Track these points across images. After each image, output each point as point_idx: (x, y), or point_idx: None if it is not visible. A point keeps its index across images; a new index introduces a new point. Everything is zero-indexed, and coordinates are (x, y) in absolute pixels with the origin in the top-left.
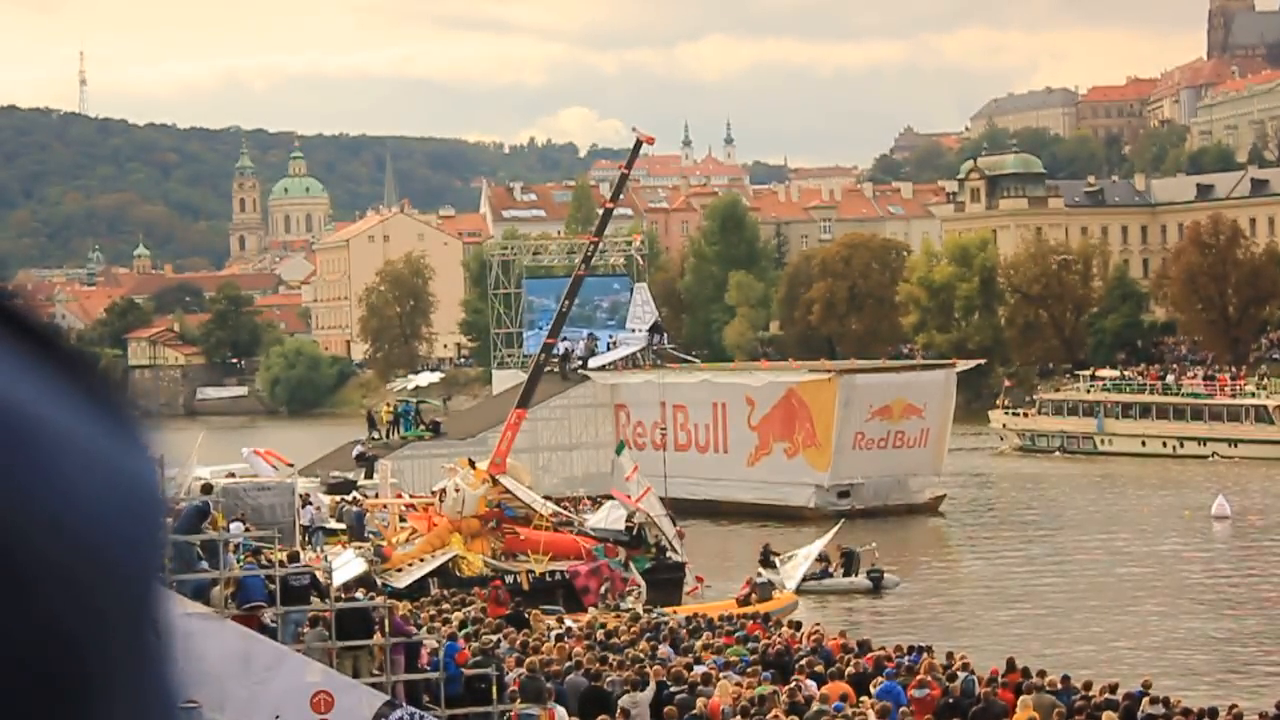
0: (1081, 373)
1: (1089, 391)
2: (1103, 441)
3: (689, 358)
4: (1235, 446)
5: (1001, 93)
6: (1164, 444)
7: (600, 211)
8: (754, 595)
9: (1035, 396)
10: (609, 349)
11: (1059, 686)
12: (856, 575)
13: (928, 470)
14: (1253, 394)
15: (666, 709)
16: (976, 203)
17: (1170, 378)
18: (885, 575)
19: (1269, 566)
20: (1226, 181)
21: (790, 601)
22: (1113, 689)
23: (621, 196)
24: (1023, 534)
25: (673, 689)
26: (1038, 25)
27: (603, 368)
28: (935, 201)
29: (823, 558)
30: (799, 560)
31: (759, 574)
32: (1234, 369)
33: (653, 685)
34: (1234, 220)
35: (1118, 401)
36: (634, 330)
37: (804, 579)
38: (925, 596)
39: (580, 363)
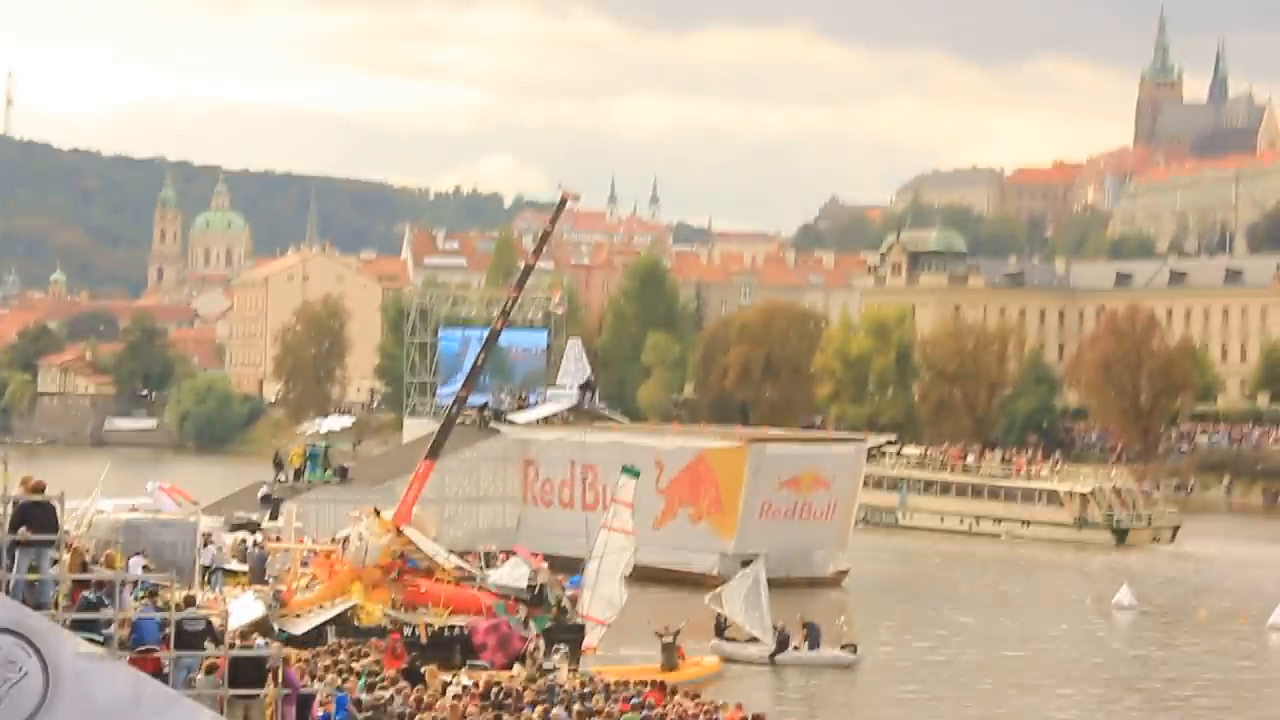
0: (888, 448)
1: (893, 467)
2: (904, 515)
3: (619, 418)
4: (1027, 527)
5: (928, 167)
6: (960, 520)
7: (522, 264)
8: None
9: None
10: (537, 404)
11: None
12: (821, 648)
13: (832, 544)
14: (1045, 477)
15: None
16: (897, 277)
17: (970, 458)
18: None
19: (1168, 658)
20: (1146, 270)
21: (714, 670)
22: None
23: (544, 251)
24: (926, 612)
25: None
26: (965, 102)
27: (529, 423)
28: (857, 272)
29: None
30: (741, 613)
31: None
32: (1143, 460)
33: None
34: (1151, 310)
35: (920, 478)
36: (565, 386)
37: (776, 650)
38: (832, 672)
39: (500, 416)
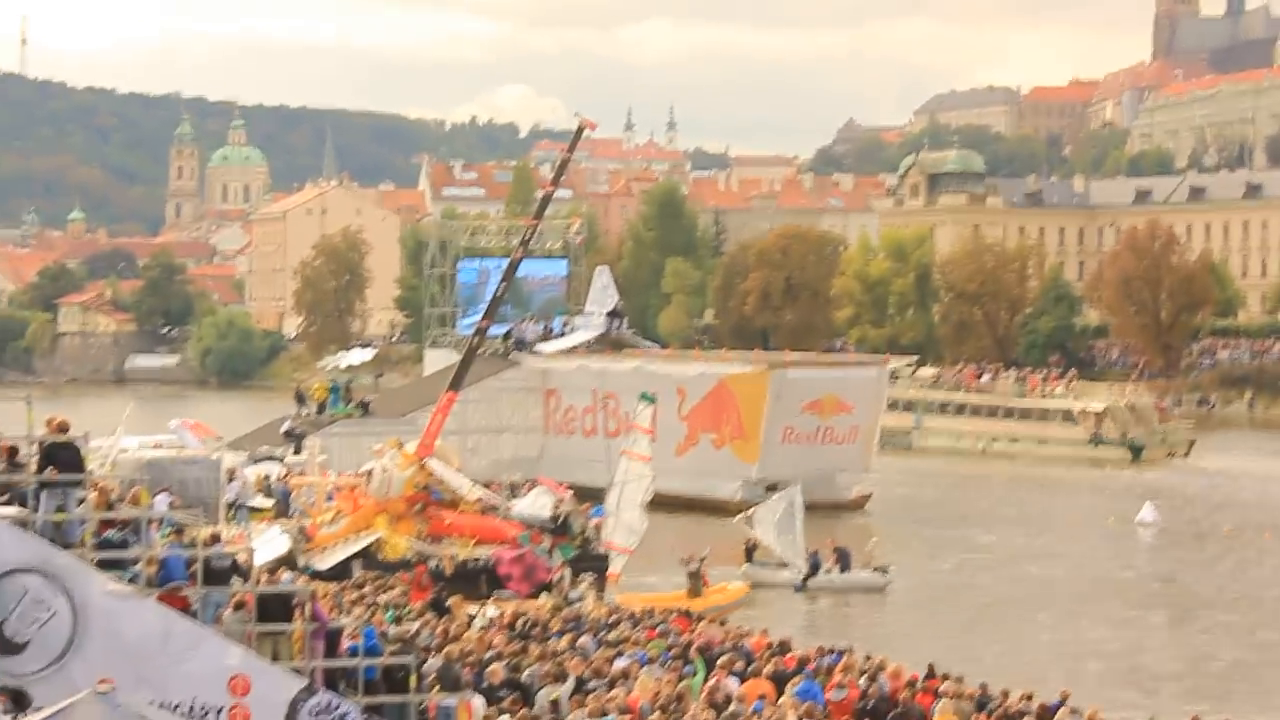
0: (899, 369)
1: (909, 389)
2: (920, 437)
3: (647, 343)
4: (1042, 446)
5: (945, 88)
6: (976, 441)
7: (540, 193)
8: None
9: None
10: (563, 332)
11: (977, 694)
12: (851, 571)
13: (856, 467)
14: (1059, 396)
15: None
16: (916, 198)
17: (986, 377)
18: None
19: (1193, 576)
20: (1165, 186)
21: (741, 595)
22: (1029, 698)
23: (562, 180)
24: (950, 534)
25: (591, 684)
26: (982, 21)
27: (558, 352)
28: (875, 195)
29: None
30: (773, 537)
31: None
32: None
33: (572, 679)
34: (1170, 226)
35: (935, 400)
36: (593, 314)
37: (808, 575)
38: (862, 596)
39: (529, 346)
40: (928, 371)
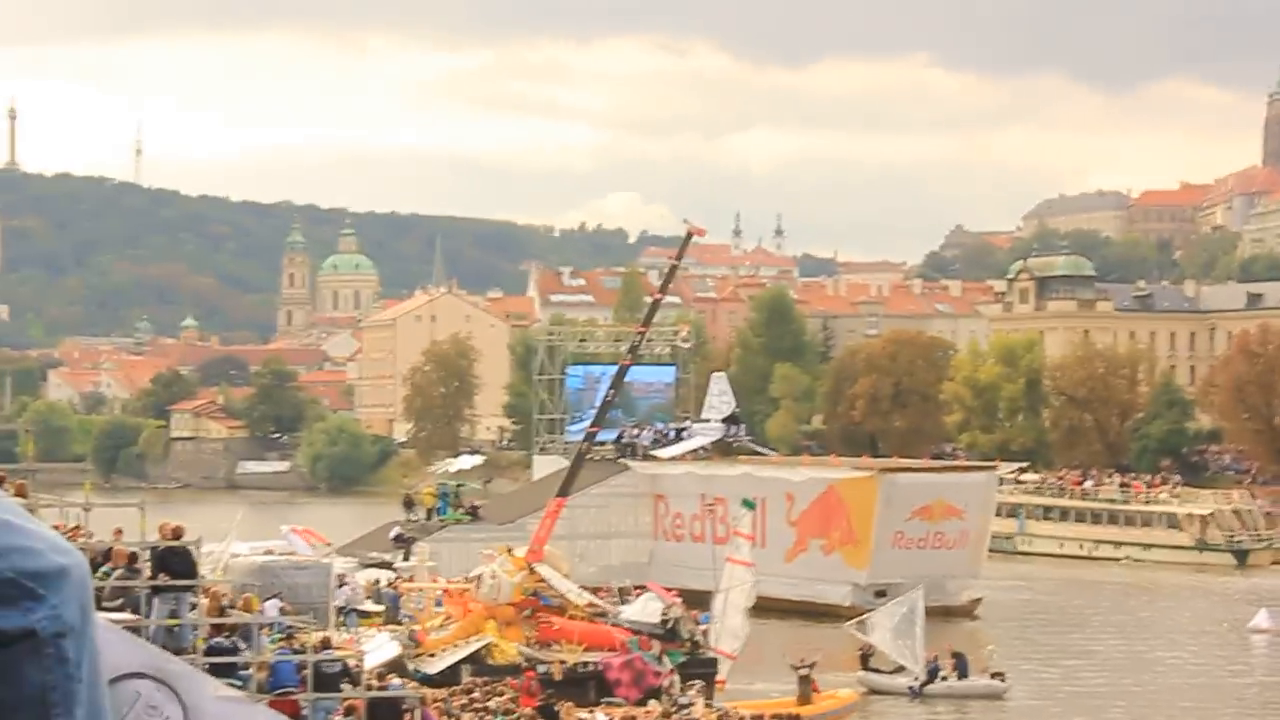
0: (1005, 475)
1: (1011, 494)
2: (1023, 542)
3: (765, 450)
4: (1147, 550)
5: (1053, 193)
6: (1080, 546)
7: (648, 300)
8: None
9: None
10: (677, 438)
11: None
12: (970, 678)
13: (966, 572)
14: (1164, 501)
15: None
16: (1025, 304)
17: (1090, 483)
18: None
19: None
20: (1277, 291)
21: (850, 701)
22: None
23: (670, 287)
24: (1063, 640)
25: None
26: (1089, 126)
27: (673, 458)
28: (984, 300)
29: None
30: (890, 642)
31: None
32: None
33: None
34: None
35: (1038, 504)
36: (709, 420)
37: (926, 682)
38: (979, 703)
39: (643, 452)
40: (1032, 476)
